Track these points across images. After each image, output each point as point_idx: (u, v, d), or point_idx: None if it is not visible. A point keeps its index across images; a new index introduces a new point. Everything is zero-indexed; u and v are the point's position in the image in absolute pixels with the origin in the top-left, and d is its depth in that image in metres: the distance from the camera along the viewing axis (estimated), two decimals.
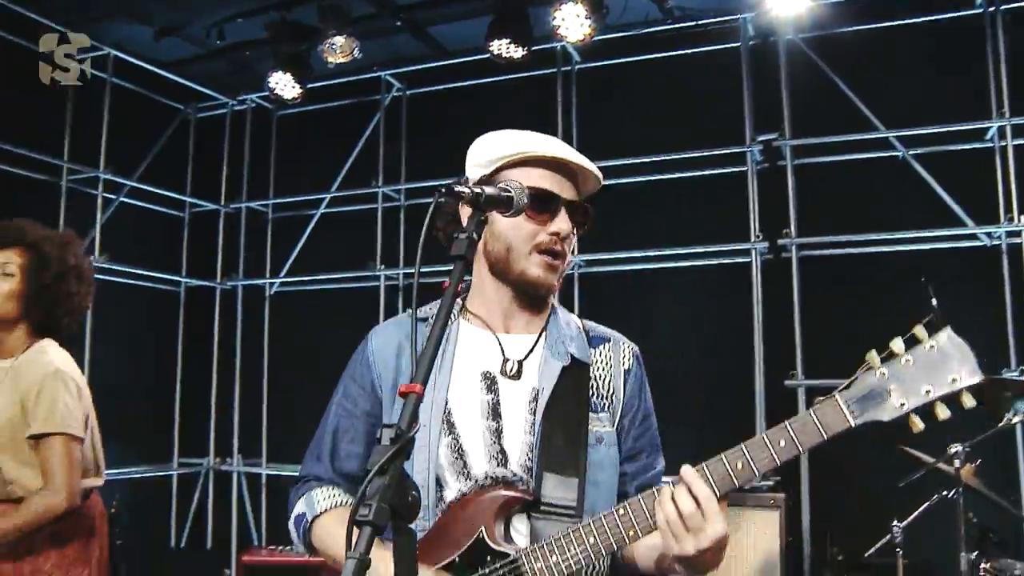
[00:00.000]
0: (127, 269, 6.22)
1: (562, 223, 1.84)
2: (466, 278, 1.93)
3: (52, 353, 3.09)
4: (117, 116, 6.02)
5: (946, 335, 1.54)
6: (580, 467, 1.78)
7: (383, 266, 6.27)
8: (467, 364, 1.89)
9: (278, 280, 6.81)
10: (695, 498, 1.56)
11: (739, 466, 1.58)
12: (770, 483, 4.81)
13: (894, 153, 5.10)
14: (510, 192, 1.67)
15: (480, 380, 1.86)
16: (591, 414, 1.85)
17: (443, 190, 1.54)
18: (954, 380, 1.52)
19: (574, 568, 1.66)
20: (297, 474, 2.02)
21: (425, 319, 1.93)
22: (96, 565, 3.08)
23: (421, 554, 1.73)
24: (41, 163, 5.63)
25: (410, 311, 1.94)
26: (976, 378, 1.51)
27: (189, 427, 6.77)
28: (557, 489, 1.76)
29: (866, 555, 3.75)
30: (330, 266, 6.48)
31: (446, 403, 1.84)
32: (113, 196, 6.11)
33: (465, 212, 1.86)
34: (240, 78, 6.59)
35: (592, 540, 1.65)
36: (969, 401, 1.52)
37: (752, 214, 5.31)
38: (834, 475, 4.74)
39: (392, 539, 1.32)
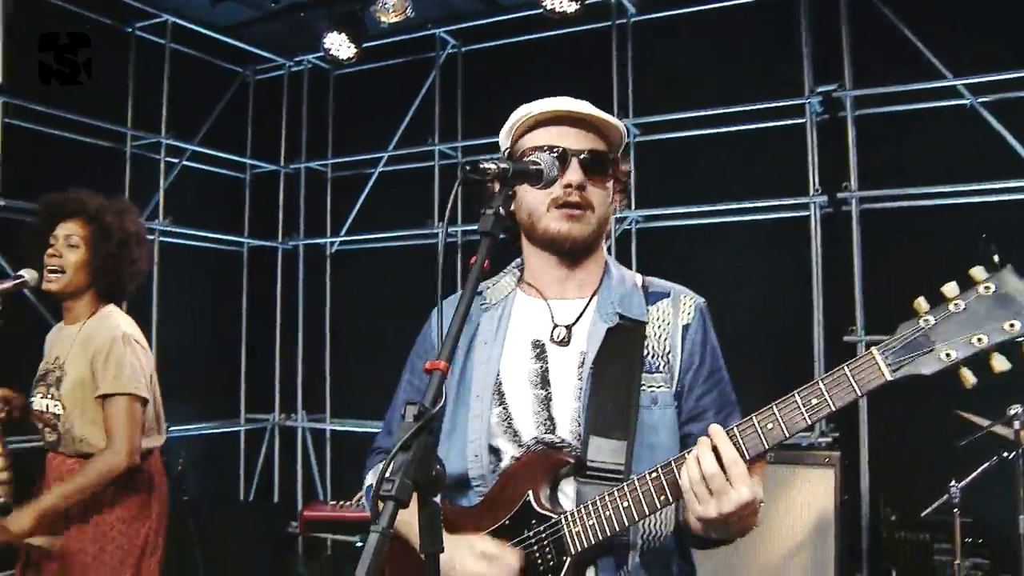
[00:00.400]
0: (191, 232, 6.37)
1: (573, 174, 1.80)
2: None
3: (118, 317, 3.22)
4: (177, 81, 6.12)
5: (1006, 275, 1.39)
6: (630, 430, 1.74)
7: (441, 223, 6.28)
8: (519, 333, 1.89)
9: (338, 239, 6.90)
10: (719, 459, 1.51)
11: (769, 427, 1.52)
12: (828, 440, 4.78)
13: (961, 101, 4.91)
14: (539, 164, 1.67)
15: (530, 349, 1.86)
16: (645, 375, 1.79)
17: (467, 167, 1.53)
18: (1012, 325, 1.36)
19: (607, 532, 1.65)
20: (373, 444, 2.09)
21: (481, 292, 1.96)
22: (156, 520, 3.21)
23: (479, 518, 1.80)
24: (106, 131, 5.76)
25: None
26: None
27: (255, 384, 6.96)
28: (604, 453, 1.73)
29: (923, 514, 3.70)
30: (389, 224, 6.54)
31: (498, 373, 1.85)
32: (175, 160, 6.23)
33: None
34: (296, 39, 6.63)
35: (625, 504, 1.63)
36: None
37: (811, 167, 5.19)
38: (893, 435, 4.68)
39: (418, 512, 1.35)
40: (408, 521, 1.74)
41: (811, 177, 5.17)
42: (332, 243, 6.94)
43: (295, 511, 5.62)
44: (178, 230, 6.17)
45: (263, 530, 5.45)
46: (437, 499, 1.37)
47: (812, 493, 3.96)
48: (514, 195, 1.61)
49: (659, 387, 1.80)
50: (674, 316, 1.86)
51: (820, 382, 1.49)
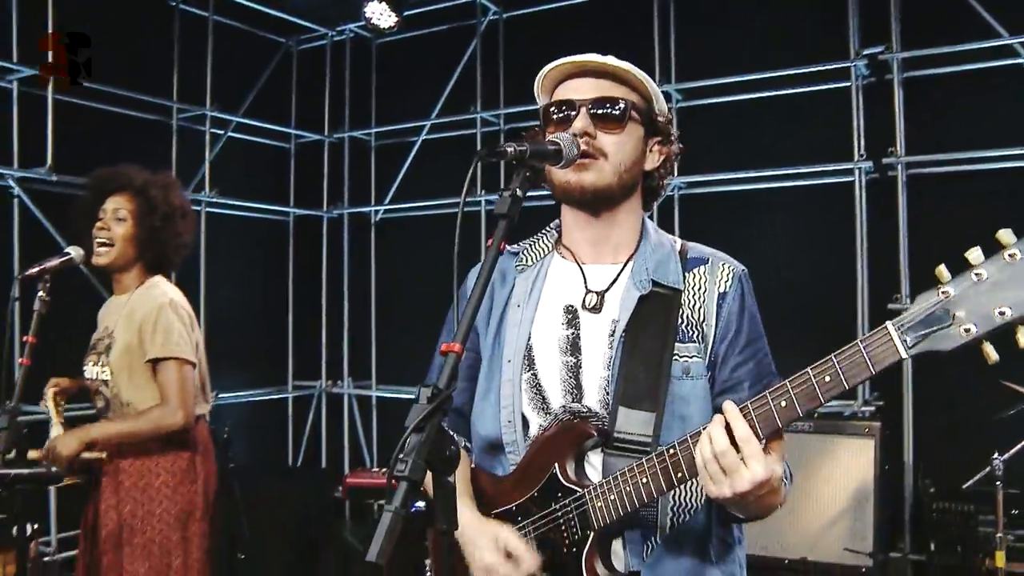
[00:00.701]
0: (238, 203, 6.47)
1: (578, 121, 1.76)
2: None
3: (164, 287, 3.34)
4: (221, 53, 6.18)
5: None
6: (659, 401, 1.71)
7: (483, 191, 6.32)
8: (552, 298, 1.86)
9: (382, 207, 6.96)
10: (732, 437, 1.48)
11: (783, 404, 1.48)
12: (872, 409, 4.74)
13: (1016, 61, 4.75)
14: (558, 144, 1.67)
15: (562, 314, 1.83)
16: (678, 344, 1.74)
17: (483, 151, 1.54)
18: None
19: (629, 508, 1.63)
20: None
21: (517, 253, 1.95)
22: (203, 484, 3.31)
23: (509, 490, 1.80)
24: (153, 104, 5.85)
25: (507, 247, 1.96)
26: None
27: (302, 351, 7.08)
28: (632, 424, 1.70)
29: (964, 486, 3.67)
30: (432, 192, 6.55)
31: (528, 338, 1.83)
32: (221, 132, 6.30)
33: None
34: (338, 9, 6.64)
35: (644, 480, 1.61)
36: None
37: (856, 132, 5.08)
38: (936, 405, 4.61)
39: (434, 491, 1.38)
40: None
41: (856, 142, 5.07)
42: (376, 212, 7.00)
43: (342, 477, 5.73)
44: (225, 201, 6.25)
45: (310, 496, 5.56)
46: (451, 479, 1.39)
47: (852, 463, 3.94)
48: (533, 176, 1.60)
49: (692, 357, 1.75)
50: (711, 284, 1.80)
51: (834, 358, 1.44)
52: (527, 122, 5.91)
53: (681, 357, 1.75)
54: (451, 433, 1.38)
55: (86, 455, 3.11)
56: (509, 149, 1.55)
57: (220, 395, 6.18)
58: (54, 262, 3.11)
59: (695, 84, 5.59)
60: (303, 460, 7.01)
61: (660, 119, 1.88)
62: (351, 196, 7.16)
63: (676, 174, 5.55)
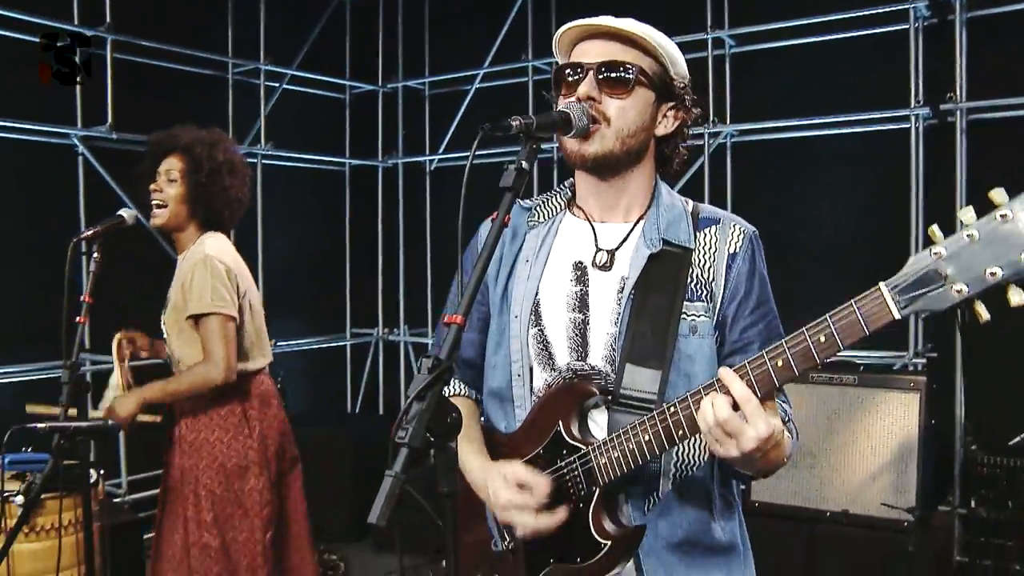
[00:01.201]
0: (294, 154, 6.58)
1: (583, 86, 1.76)
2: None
3: (207, 243, 3.37)
4: (273, 6, 6.24)
5: (1022, 200, 1.26)
6: (666, 358, 1.72)
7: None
8: (561, 255, 1.88)
9: (436, 156, 7.00)
10: (733, 401, 1.49)
11: (779, 364, 1.48)
12: (923, 361, 4.68)
13: None
14: (568, 113, 1.69)
15: (571, 271, 1.85)
16: (686, 303, 1.75)
17: (487, 126, 1.55)
18: None
19: (631, 465, 1.65)
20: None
21: (529, 208, 1.97)
22: (258, 441, 3.40)
23: (516, 444, 1.83)
24: (208, 60, 5.96)
25: (520, 202, 1.96)
26: None
27: (359, 299, 7.23)
28: (639, 381, 1.72)
29: (1011, 443, 3.62)
30: (486, 140, 6.52)
31: (536, 294, 1.85)
32: (276, 84, 6.39)
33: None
34: None
35: (647, 437, 1.62)
36: None
37: (914, 77, 4.93)
38: (989, 359, 4.52)
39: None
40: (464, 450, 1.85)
41: (913, 88, 4.92)
42: (431, 161, 7.05)
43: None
44: (281, 153, 6.37)
45: (369, 441, 5.73)
46: (452, 445, 1.44)
47: (896, 417, 3.90)
48: (538, 148, 1.62)
49: (699, 316, 1.76)
50: (721, 243, 1.81)
51: (828, 318, 1.44)
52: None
53: (689, 316, 1.76)
54: (452, 402, 1.42)
55: (142, 417, 3.28)
56: (514, 123, 1.57)
57: (280, 342, 6.38)
58: (105, 224, 3.20)
59: (749, 29, 5.45)
60: (361, 406, 7.19)
61: (677, 83, 1.85)
62: (405, 145, 7.22)
63: (729, 121, 5.49)
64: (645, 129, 1.82)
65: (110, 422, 3.11)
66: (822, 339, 1.45)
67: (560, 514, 1.69)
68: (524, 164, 1.58)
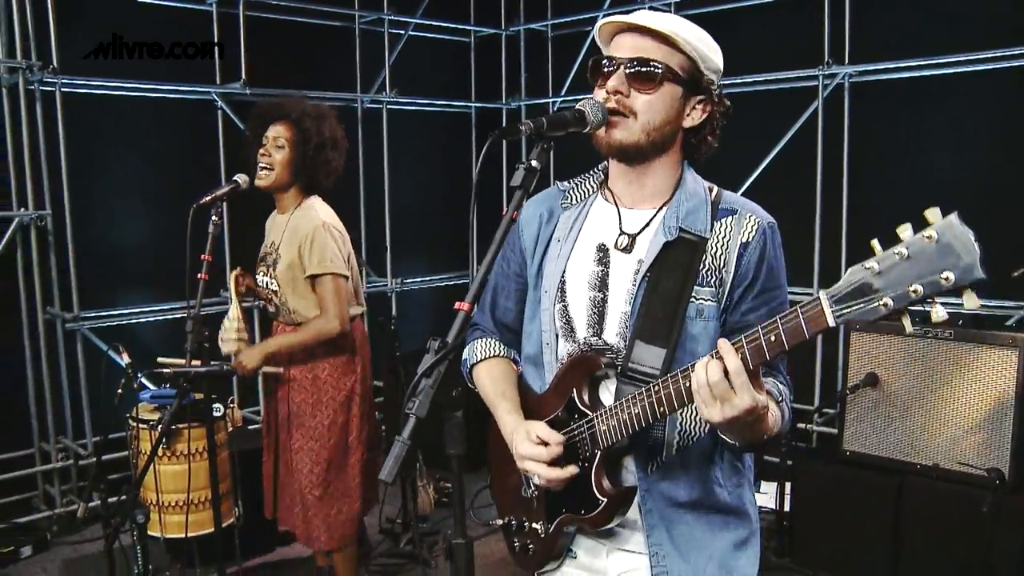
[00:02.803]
0: (421, 101, 6.85)
1: (612, 80, 1.87)
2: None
3: (319, 208, 3.76)
4: None
5: (948, 222, 1.31)
6: (672, 338, 1.86)
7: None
8: (589, 236, 2.03)
9: (559, 98, 7.11)
10: (725, 368, 1.58)
11: (772, 339, 1.55)
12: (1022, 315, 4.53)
13: None
14: (583, 111, 1.83)
15: (595, 252, 2.00)
16: (696, 287, 1.87)
17: (496, 132, 1.68)
18: (947, 278, 1.31)
19: (630, 430, 1.82)
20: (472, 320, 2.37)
21: (564, 191, 2.12)
22: (360, 375, 3.85)
23: (542, 405, 2.05)
24: (334, 13, 6.27)
25: (557, 184, 2.16)
26: (973, 276, 1.29)
27: (484, 238, 7.47)
28: (646, 357, 1.87)
29: None
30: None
31: (563, 272, 2.02)
32: (400, 32, 6.63)
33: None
34: None
35: (646, 403, 1.77)
36: (971, 302, 1.31)
37: None
38: None
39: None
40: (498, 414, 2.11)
41: None
42: (554, 102, 7.17)
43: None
44: (406, 100, 6.66)
45: None
46: (458, 414, 1.66)
47: (992, 374, 3.81)
48: (550, 148, 1.76)
49: (707, 300, 1.88)
50: (735, 233, 1.90)
51: (778, 319, 1.53)
52: (701, 8, 5.81)
53: (697, 299, 1.88)
54: (456, 380, 1.63)
55: (267, 369, 3.75)
56: (523, 128, 1.71)
57: (406, 280, 6.76)
58: (224, 189, 3.52)
59: None
60: None
61: (707, 77, 1.93)
62: (528, 87, 7.35)
63: (847, 61, 5.33)
64: (671, 122, 1.92)
65: (236, 372, 3.61)
66: (772, 339, 1.55)
67: (569, 470, 1.89)
68: (535, 163, 1.72)
